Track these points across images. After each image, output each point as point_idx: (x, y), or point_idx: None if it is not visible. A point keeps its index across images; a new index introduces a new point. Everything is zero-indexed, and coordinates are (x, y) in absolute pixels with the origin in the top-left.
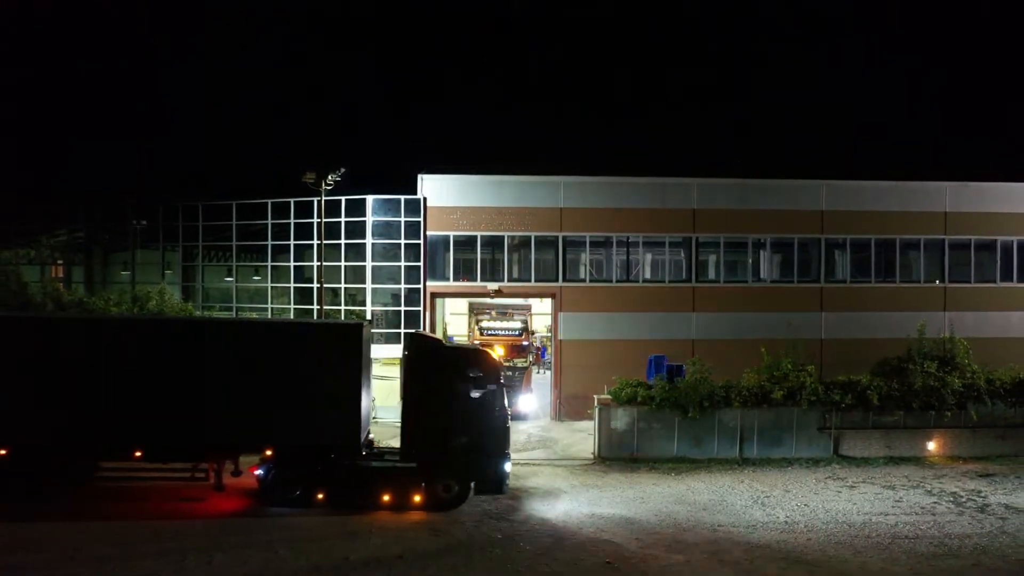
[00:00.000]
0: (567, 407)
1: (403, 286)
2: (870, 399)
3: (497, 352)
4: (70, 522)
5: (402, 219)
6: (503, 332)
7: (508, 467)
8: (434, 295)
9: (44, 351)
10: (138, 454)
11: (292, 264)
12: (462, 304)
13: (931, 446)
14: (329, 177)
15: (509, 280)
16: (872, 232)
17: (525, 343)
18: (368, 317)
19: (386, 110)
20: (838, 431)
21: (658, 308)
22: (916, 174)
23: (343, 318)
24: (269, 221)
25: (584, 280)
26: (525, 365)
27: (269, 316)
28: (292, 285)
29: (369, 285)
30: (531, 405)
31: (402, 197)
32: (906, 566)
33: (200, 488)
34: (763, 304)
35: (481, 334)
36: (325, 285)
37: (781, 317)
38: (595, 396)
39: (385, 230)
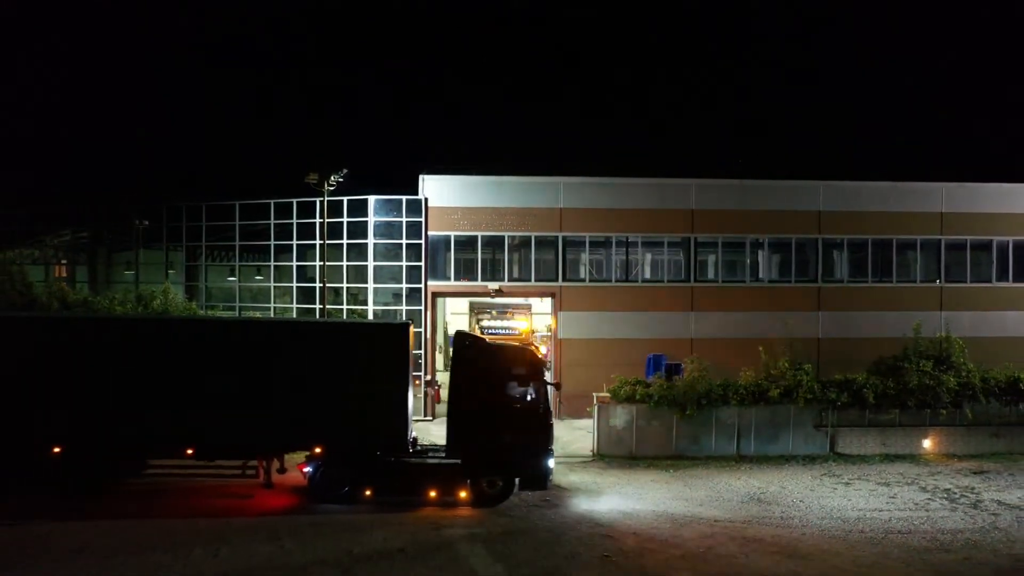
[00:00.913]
0: (567, 405)
1: (404, 285)
2: (866, 397)
3: (541, 351)
4: (110, 519)
5: (403, 219)
6: (503, 331)
7: (551, 463)
8: (435, 294)
9: (99, 351)
10: (190, 452)
11: (294, 264)
12: (463, 304)
13: (926, 444)
14: (332, 178)
15: (509, 280)
16: (869, 232)
17: None
18: (370, 316)
19: (388, 111)
20: (834, 429)
21: (657, 308)
22: (913, 175)
23: (345, 317)
24: (272, 221)
25: (584, 280)
26: None
27: (272, 315)
28: (295, 284)
29: (371, 285)
30: None
31: (403, 197)
32: (898, 560)
33: (247, 486)
34: (761, 304)
35: (481, 333)
36: (327, 284)
37: (779, 317)
38: (594, 394)
39: (387, 230)
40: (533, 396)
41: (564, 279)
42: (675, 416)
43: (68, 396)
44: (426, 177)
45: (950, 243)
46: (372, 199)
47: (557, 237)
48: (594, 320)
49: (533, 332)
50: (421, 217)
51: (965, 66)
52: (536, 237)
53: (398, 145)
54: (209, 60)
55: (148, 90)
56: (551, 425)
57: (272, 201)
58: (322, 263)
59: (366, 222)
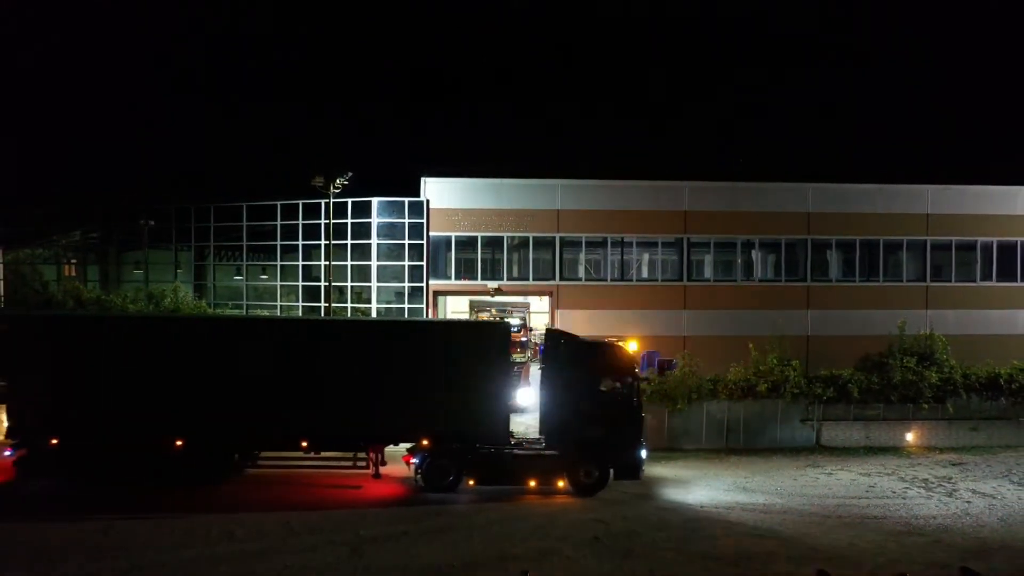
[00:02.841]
0: None
1: (407, 284)
2: (851, 392)
3: (630, 347)
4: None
5: (406, 220)
6: None
7: (644, 454)
8: (436, 293)
9: (220, 350)
10: (304, 444)
11: (300, 263)
12: (463, 302)
13: (909, 437)
14: (337, 181)
15: (508, 279)
16: (857, 233)
17: (524, 339)
18: (373, 314)
19: (390, 115)
20: (820, 423)
21: (651, 306)
22: (899, 177)
23: (349, 315)
24: (278, 222)
25: (580, 279)
26: (523, 360)
27: (278, 313)
28: (300, 283)
29: (374, 284)
30: (529, 398)
31: (406, 199)
32: (872, 542)
33: (356, 477)
34: (752, 302)
35: None
36: (332, 284)
37: (769, 315)
38: None
39: (389, 231)
40: (626, 390)
41: (561, 278)
42: (667, 410)
43: (190, 393)
44: (428, 180)
45: (936, 244)
46: (375, 201)
47: (555, 237)
48: (590, 318)
49: (531, 330)
50: (423, 218)
51: (950, 68)
52: (534, 237)
53: (400, 148)
54: (216, 63)
55: (157, 93)
56: (643, 417)
57: (279, 203)
58: (327, 263)
59: (370, 223)
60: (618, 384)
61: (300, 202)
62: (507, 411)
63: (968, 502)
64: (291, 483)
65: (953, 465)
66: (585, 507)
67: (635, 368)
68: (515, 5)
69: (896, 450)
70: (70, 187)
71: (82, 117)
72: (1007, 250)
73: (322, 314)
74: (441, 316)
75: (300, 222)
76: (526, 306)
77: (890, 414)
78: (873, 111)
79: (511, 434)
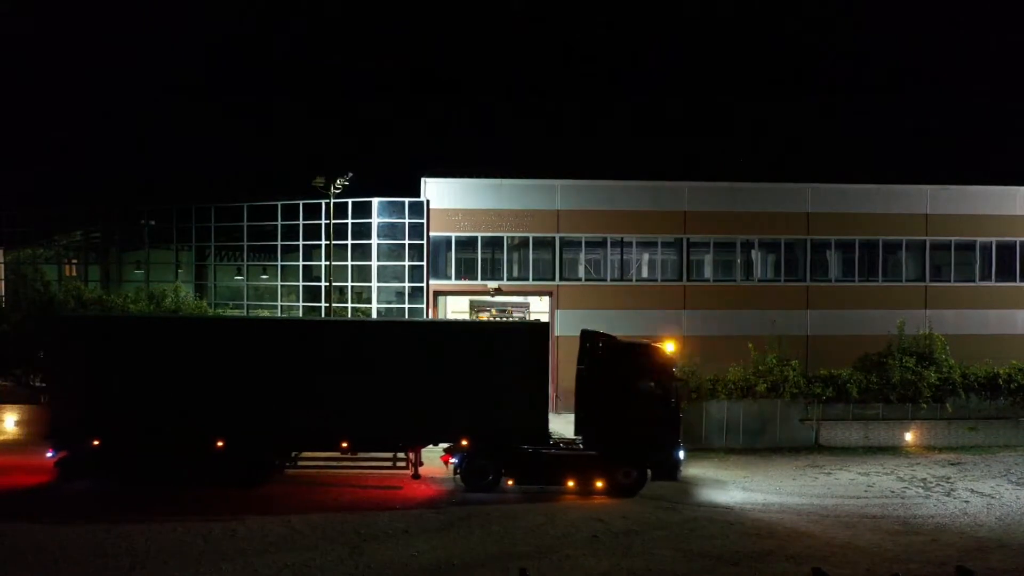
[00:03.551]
0: (563, 399)
1: (407, 284)
2: (850, 392)
3: (668, 348)
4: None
5: (406, 220)
6: None
7: (682, 455)
8: (436, 293)
9: (263, 351)
10: (344, 445)
11: (300, 263)
12: (463, 302)
13: (908, 437)
14: (338, 181)
15: (508, 279)
16: (856, 233)
17: None
18: (374, 314)
19: (390, 115)
20: (819, 422)
21: (651, 306)
22: (898, 177)
23: (350, 315)
24: (279, 222)
25: (580, 279)
26: None
27: (279, 313)
28: (300, 284)
29: (375, 284)
30: None
31: (406, 200)
32: (869, 541)
33: (396, 477)
34: (751, 302)
35: None
36: (333, 284)
37: (768, 315)
38: None
39: (390, 231)
40: (664, 391)
41: (561, 278)
42: None
43: (232, 393)
44: (428, 180)
45: (935, 244)
46: (376, 201)
47: (554, 238)
48: (590, 318)
49: None
50: (423, 218)
51: (951, 69)
52: (534, 238)
53: (400, 148)
54: (216, 63)
55: (157, 92)
56: (681, 419)
57: (279, 203)
58: (328, 263)
59: (370, 223)
60: (657, 385)
61: (301, 202)
62: (546, 411)
63: (966, 502)
64: (335, 484)
65: (951, 465)
66: (585, 506)
67: (673, 369)
68: (515, 5)
69: (895, 450)
70: (71, 187)
71: (83, 117)
72: (1006, 250)
73: (322, 314)
74: (441, 316)
75: (301, 222)
76: (526, 306)
77: (889, 414)
78: (872, 111)
79: (550, 434)
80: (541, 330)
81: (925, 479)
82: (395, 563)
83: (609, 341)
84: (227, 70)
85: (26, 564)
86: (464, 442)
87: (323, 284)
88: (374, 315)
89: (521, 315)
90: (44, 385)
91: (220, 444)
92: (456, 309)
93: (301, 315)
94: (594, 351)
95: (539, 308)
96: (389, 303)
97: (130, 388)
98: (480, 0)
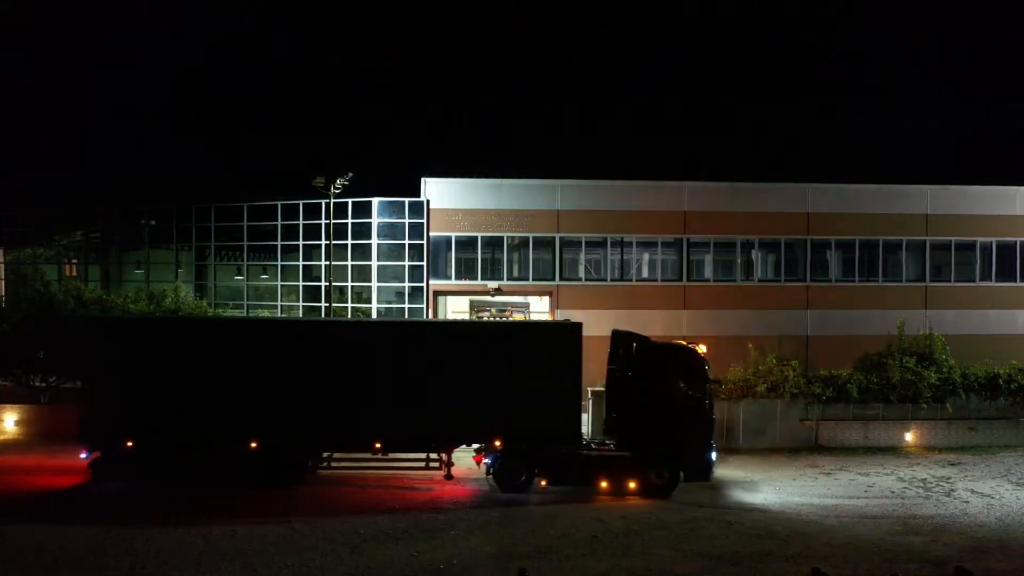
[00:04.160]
0: None
1: (407, 284)
2: (850, 392)
3: (701, 349)
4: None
5: (406, 220)
6: None
7: (714, 456)
8: (436, 293)
9: (298, 352)
10: (377, 445)
11: (300, 263)
12: (463, 302)
13: (908, 437)
14: (338, 181)
15: (508, 279)
16: (856, 233)
17: None
18: (374, 315)
19: (390, 115)
20: (819, 423)
21: (651, 306)
22: (899, 177)
23: (350, 315)
24: (279, 222)
25: (580, 279)
26: None
27: (279, 313)
28: (300, 283)
29: (375, 284)
30: None
31: (406, 200)
32: (868, 541)
33: (428, 479)
34: (751, 302)
35: None
36: (332, 283)
37: (768, 315)
38: (589, 388)
39: (390, 231)
40: (697, 392)
41: (561, 278)
42: None
43: (266, 394)
44: (428, 180)
45: (935, 244)
46: (376, 201)
47: (554, 238)
48: (590, 318)
49: None
50: (423, 218)
51: (951, 69)
52: (534, 238)
53: (400, 148)
54: (215, 63)
55: (158, 92)
56: (713, 420)
57: (279, 203)
58: (328, 263)
59: (370, 223)
60: (691, 386)
61: (301, 202)
62: (580, 411)
63: (966, 502)
64: (371, 485)
65: (951, 465)
66: (584, 506)
67: (706, 370)
68: (515, 5)
69: (895, 450)
70: (71, 187)
71: (83, 116)
72: (1006, 250)
73: (322, 314)
74: (441, 316)
75: (301, 222)
76: (526, 306)
77: (889, 414)
78: (872, 111)
79: (583, 435)
80: (575, 330)
81: (925, 479)
82: (395, 563)
83: (643, 342)
84: (227, 70)
85: (26, 564)
86: (497, 442)
87: (323, 284)
88: (374, 315)
89: (521, 315)
90: (43, 385)
91: (254, 445)
92: (456, 309)
93: (301, 315)
94: (627, 352)
95: (539, 308)
96: (389, 303)
97: (164, 389)
98: (480, 0)
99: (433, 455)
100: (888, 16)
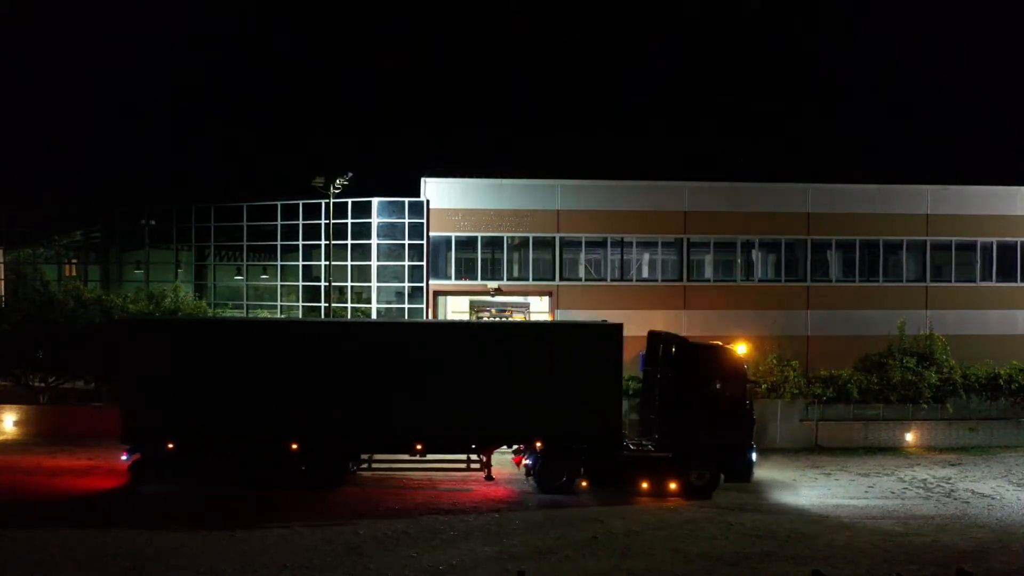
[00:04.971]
0: None
1: (407, 284)
2: (850, 392)
3: (739, 349)
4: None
5: (406, 220)
6: None
7: (754, 456)
8: (436, 293)
9: (338, 353)
10: (419, 447)
11: (300, 263)
12: (463, 302)
13: (908, 437)
14: (337, 181)
15: (508, 279)
16: (856, 233)
17: None
18: (374, 315)
19: (390, 115)
20: (819, 423)
21: (651, 306)
22: (899, 177)
23: (349, 315)
24: (279, 222)
25: (580, 279)
26: None
27: (279, 314)
28: (300, 283)
29: (374, 284)
30: None
31: (406, 200)
32: (868, 542)
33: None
34: (752, 302)
35: None
36: (332, 283)
37: (769, 315)
38: None
39: (390, 231)
40: (737, 392)
41: (561, 278)
42: None
43: (308, 395)
44: (428, 180)
45: (935, 244)
46: (376, 201)
47: (554, 238)
48: (590, 317)
49: None
50: (423, 218)
51: (950, 69)
52: (534, 238)
53: (400, 148)
54: (216, 63)
55: (157, 92)
56: (754, 420)
57: (279, 203)
58: (327, 263)
59: (370, 223)
60: (731, 387)
61: (300, 202)
62: (620, 412)
63: (966, 502)
64: (415, 487)
65: (952, 465)
66: (584, 507)
67: (746, 371)
68: (515, 5)
69: (895, 450)
70: (71, 187)
71: (83, 116)
72: (1007, 250)
73: (322, 315)
74: (442, 316)
75: (300, 222)
76: (526, 306)
77: (889, 414)
78: (872, 111)
79: (623, 435)
80: (615, 332)
81: (926, 480)
82: (394, 564)
83: (682, 343)
84: (227, 69)
85: (26, 566)
86: (538, 444)
87: (323, 284)
88: (374, 315)
89: (522, 315)
90: (42, 385)
91: (294, 447)
92: (456, 309)
93: (300, 315)
94: (666, 353)
95: (539, 308)
96: (389, 303)
97: (205, 391)
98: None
99: (473, 456)
100: (888, 16)
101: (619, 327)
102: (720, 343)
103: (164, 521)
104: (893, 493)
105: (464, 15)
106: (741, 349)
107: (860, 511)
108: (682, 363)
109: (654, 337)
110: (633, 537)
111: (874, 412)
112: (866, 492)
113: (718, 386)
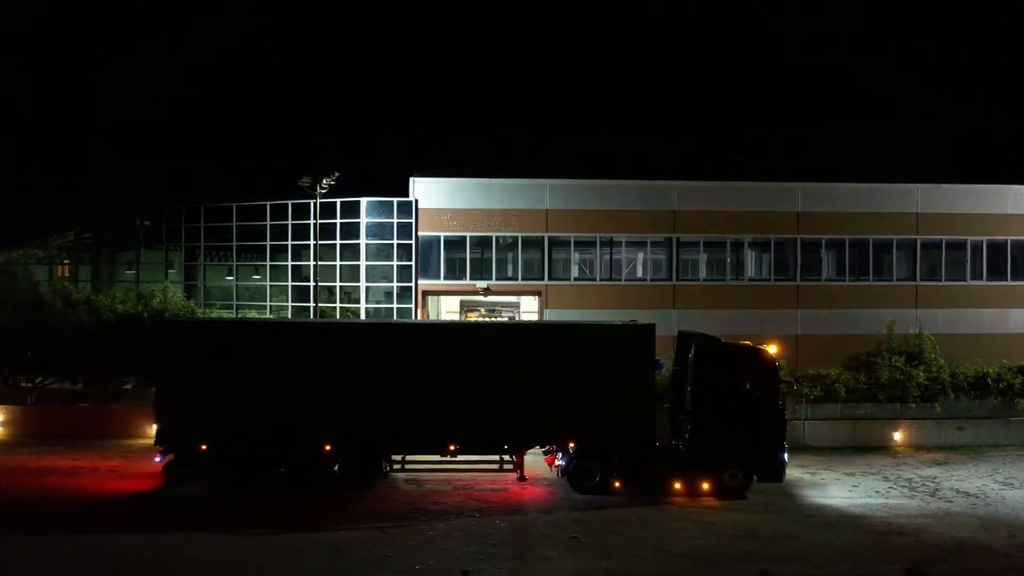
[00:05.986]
0: None
1: (396, 284)
2: (837, 392)
3: (770, 350)
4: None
5: (395, 220)
6: None
7: (786, 457)
8: (426, 293)
9: (372, 355)
10: (452, 448)
11: (289, 263)
12: (453, 302)
13: (896, 437)
14: (324, 181)
15: (498, 279)
16: (846, 232)
17: None
18: (362, 315)
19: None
20: (807, 422)
21: (640, 306)
22: (889, 176)
23: (338, 315)
24: (268, 222)
25: (569, 279)
26: None
27: (268, 314)
28: (290, 284)
29: (363, 284)
30: None
31: (394, 199)
32: (851, 540)
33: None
34: (742, 302)
35: None
36: (321, 283)
37: (758, 314)
38: None
39: (378, 231)
40: (769, 393)
41: (550, 278)
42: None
43: (342, 396)
44: (417, 179)
45: (925, 243)
46: (364, 201)
47: (543, 237)
48: (579, 317)
49: None
50: (412, 218)
51: (942, 68)
52: (523, 237)
53: (389, 148)
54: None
55: (149, 93)
56: (786, 421)
57: (268, 203)
58: (316, 263)
59: (358, 223)
60: (764, 387)
61: (289, 202)
62: (653, 412)
63: (950, 501)
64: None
65: (938, 465)
66: (565, 506)
67: (778, 371)
68: (506, 3)
69: (883, 450)
70: (63, 187)
71: (75, 118)
72: (997, 249)
73: (312, 315)
74: (432, 316)
75: (289, 222)
76: (516, 306)
77: (878, 414)
78: (863, 110)
79: (654, 436)
80: (648, 332)
81: (911, 479)
82: (372, 563)
83: (713, 343)
84: (216, 71)
85: (18, 571)
86: (571, 444)
87: (311, 284)
88: (362, 315)
89: (511, 315)
90: (30, 385)
91: (328, 448)
92: (445, 309)
93: (290, 315)
94: (698, 353)
95: (529, 308)
96: (378, 303)
97: (239, 392)
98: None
99: (506, 457)
100: (880, 15)
101: (652, 327)
102: (752, 344)
103: (147, 520)
104: (877, 492)
105: (455, 14)
106: (772, 350)
107: (843, 510)
108: (714, 364)
109: (684, 337)
110: (613, 537)
111: (863, 411)
112: (850, 491)
113: (751, 386)
